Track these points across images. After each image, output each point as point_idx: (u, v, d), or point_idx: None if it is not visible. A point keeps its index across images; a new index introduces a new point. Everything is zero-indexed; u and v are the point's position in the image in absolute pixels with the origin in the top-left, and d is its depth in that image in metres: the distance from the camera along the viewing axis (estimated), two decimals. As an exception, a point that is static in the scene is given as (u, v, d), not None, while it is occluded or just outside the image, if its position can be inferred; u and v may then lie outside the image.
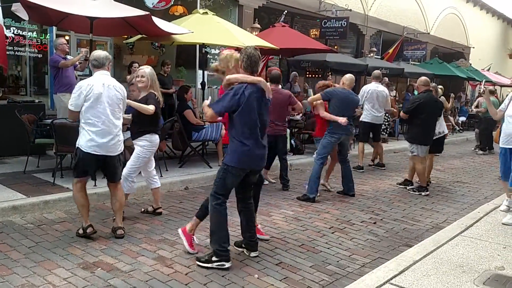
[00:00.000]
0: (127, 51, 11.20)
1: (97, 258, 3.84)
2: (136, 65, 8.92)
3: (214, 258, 3.71)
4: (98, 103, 4.08)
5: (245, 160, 3.74)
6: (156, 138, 4.89)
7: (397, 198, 6.52)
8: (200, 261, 3.76)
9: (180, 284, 3.43)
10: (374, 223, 5.26)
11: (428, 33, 19.28)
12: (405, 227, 5.16)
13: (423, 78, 6.87)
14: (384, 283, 3.28)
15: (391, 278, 3.37)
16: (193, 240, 4.07)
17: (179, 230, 4.12)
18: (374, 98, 8.35)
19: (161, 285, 3.40)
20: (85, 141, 4.10)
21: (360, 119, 8.60)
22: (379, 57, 16.45)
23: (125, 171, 4.73)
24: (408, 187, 7.00)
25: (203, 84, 9.09)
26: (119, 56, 11.04)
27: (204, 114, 3.81)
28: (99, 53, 4.31)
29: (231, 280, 3.54)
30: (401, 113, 6.93)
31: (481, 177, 8.49)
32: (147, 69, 4.83)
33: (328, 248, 4.36)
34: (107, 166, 4.30)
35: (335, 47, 14.25)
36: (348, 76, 6.41)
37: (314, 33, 13.85)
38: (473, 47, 22.46)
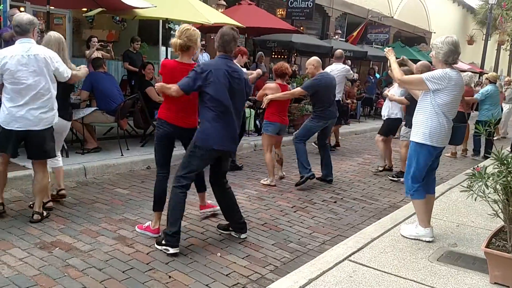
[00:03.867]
0: (86, 25, 10.80)
1: (55, 238, 3.74)
2: (95, 39, 8.62)
3: (163, 242, 3.64)
4: (15, 76, 3.77)
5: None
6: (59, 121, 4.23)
7: (357, 178, 6.67)
8: (157, 244, 3.68)
9: (141, 263, 3.40)
10: (335, 202, 5.37)
11: (392, 17, 19.58)
12: (364, 206, 5.30)
13: (425, 63, 5.83)
14: (343, 260, 3.37)
15: (350, 255, 3.46)
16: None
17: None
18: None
19: (121, 264, 3.35)
20: (4, 116, 3.86)
21: None
22: (344, 39, 16.60)
23: None
24: (389, 176, 6.74)
25: (166, 61, 8.89)
26: (79, 30, 10.64)
27: None
28: (21, 16, 3.90)
29: (194, 258, 3.53)
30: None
31: (437, 159, 8.80)
32: (53, 35, 4.24)
33: (290, 227, 4.42)
34: (29, 142, 3.98)
35: (301, 28, 14.26)
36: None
37: (280, 12, 13.79)
38: (434, 32, 23.01)
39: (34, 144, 3.98)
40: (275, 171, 6.03)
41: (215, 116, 3.62)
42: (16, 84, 3.79)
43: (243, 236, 4.00)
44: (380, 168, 7.04)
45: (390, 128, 7.01)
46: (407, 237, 3.86)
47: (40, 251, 3.48)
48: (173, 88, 3.60)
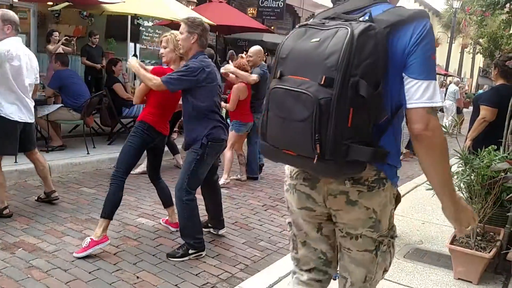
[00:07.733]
0: (52, 19, 10.46)
1: (18, 238, 3.61)
2: (57, 33, 8.39)
3: (191, 251, 3.50)
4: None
5: None
6: None
7: (327, 177, 6.74)
8: (175, 257, 3.47)
9: (108, 264, 3.32)
10: (305, 201, 5.40)
11: (361, 19, 19.90)
12: (334, 205, 5.35)
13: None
14: (313, 258, 3.39)
15: (320, 253, 3.49)
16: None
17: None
18: None
19: (88, 265, 3.27)
20: None
21: None
22: (314, 39, 16.75)
23: None
24: None
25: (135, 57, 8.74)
26: (44, 25, 10.28)
27: None
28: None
29: (162, 258, 3.48)
30: None
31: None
32: None
33: (261, 225, 4.43)
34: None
35: (272, 27, 14.31)
36: None
37: (251, 11, 13.78)
38: (401, 34, 23.53)
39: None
40: (240, 172, 6.07)
41: None
42: None
43: (221, 232, 4.03)
44: None
45: None
46: None
47: (1, 252, 3.35)
48: None
